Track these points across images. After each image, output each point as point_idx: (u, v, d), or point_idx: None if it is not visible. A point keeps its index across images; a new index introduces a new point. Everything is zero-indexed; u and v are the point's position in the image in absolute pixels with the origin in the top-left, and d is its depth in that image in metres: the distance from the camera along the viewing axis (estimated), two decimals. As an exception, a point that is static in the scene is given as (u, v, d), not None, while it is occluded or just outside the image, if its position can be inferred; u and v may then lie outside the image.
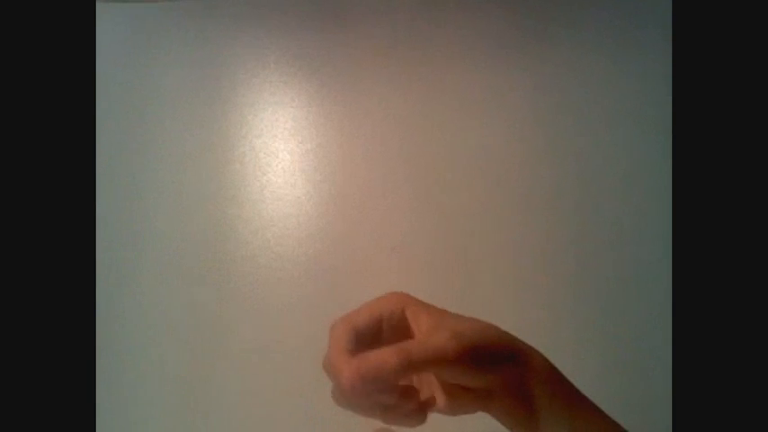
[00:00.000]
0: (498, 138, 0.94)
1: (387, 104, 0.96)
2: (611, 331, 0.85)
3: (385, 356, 0.34)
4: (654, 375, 0.82)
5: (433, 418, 0.38)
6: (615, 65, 0.97)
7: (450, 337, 0.36)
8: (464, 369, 0.36)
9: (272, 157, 0.94)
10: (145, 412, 0.84)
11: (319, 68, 0.98)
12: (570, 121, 0.95)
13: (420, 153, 0.94)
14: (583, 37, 0.98)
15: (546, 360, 0.40)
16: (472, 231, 0.90)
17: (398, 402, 0.37)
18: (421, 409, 0.38)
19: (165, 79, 0.98)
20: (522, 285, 0.87)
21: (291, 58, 0.99)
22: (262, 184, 0.93)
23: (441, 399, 0.38)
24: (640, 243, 0.89)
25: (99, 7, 0.99)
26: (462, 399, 0.38)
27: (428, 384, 0.40)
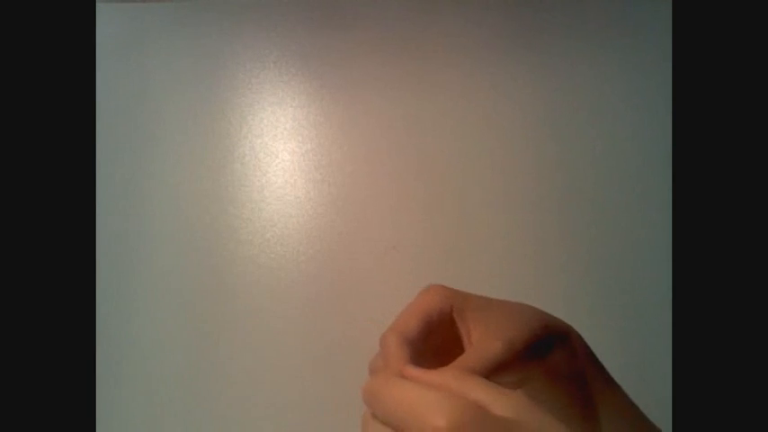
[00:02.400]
0: (501, 136, 0.94)
1: (388, 104, 0.96)
2: (614, 332, 0.85)
3: (447, 380, 0.33)
4: (654, 376, 0.82)
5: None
6: (619, 60, 0.96)
7: (503, 345, 0.36)
8: (521, 369, 0.36)
9: (273, 157, 0.94)
10: (144, 413, 0.84)
11: (319, 68, 0.98)
12: (575, 115, 0.95)
13: (421, 152, 0.94)
14: (588, 31, 0.98)
15: (582, 338, 0.40)
16: (474, 230, 0.90)
17: None
18: None
19: (165, 79, 0.98)
20: (524, 286, 0.87)
21: (291, 58, 0.99)
22: (262, 185, 0.93)
23: None
24: (645, 243, 0.89)
25: (99, 7, 0.99)
26: None
27: None
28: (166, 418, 0.83)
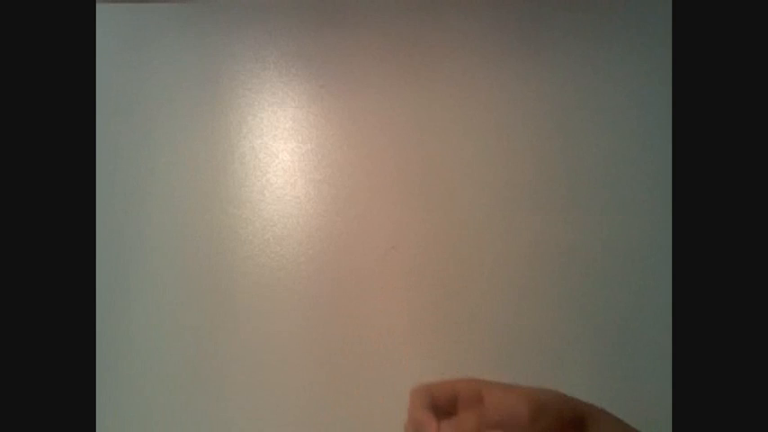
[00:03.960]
0: (501, 136, 0.94)
1: (387, 104, 0.96)
2: (614, 334, 0.85)
3: (462, 419, 0.38)
4: (654, 379, 0.82)
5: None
6: (619, 63, 0.96)
7: (522, 399, 0.38)
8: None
9: (273, 157, 0.94)
10: (144, 413, 0.84)
11: (319, 68, 0.98)
12: (576, 113, 0.95)
13: (421, 153, 0.94)
14: (589, 27, 0.98)
15: (617, 422, 0.40)
16: (473, 231, 0.90)
17: None
18: None
19: (165, 80, 0.98)
20: (524, 286, 0.87)
21: (291, 58, 0.99)
22: (262, 185, 0.93)
23: None
24: (647, 243, 0.89)
25: (99, 7, 0.99)
26: None
27: None
28: (165, 418, 0.83)
